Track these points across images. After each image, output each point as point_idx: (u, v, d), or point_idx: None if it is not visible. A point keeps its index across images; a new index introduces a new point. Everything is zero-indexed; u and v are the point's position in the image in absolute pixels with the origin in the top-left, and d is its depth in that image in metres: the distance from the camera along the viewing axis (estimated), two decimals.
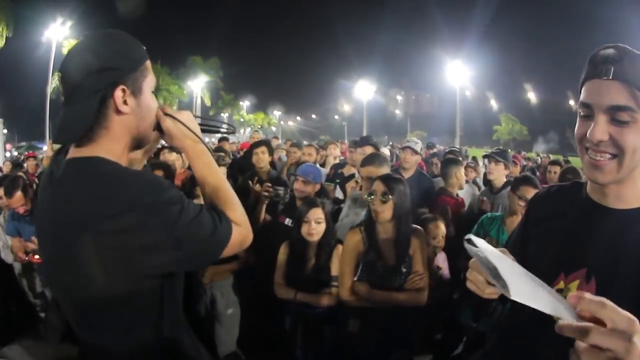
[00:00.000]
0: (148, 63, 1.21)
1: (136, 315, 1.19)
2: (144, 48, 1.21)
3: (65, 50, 23.93)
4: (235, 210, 1.26)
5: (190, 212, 1.12)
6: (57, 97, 24.25)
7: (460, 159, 4.79)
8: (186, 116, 1.30)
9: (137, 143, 1.25)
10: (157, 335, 1.23)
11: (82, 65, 1.11)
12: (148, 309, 1.20)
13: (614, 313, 0.62)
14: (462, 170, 4.06)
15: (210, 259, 1.25)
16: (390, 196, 2.40)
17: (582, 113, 0.99)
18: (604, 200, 1.05)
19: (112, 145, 1.17)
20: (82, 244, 1.05)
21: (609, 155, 0.96)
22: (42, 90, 25.59)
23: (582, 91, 1.00)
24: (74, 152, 1.16)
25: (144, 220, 1.05)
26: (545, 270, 0.96)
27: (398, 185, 2.46)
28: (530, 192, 2.78)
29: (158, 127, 1.27)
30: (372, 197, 2.45)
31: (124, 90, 1.13)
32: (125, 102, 1.14)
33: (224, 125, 1.55)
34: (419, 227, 2.64)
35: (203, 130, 1.36)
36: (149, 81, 1.21)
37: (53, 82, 24.82)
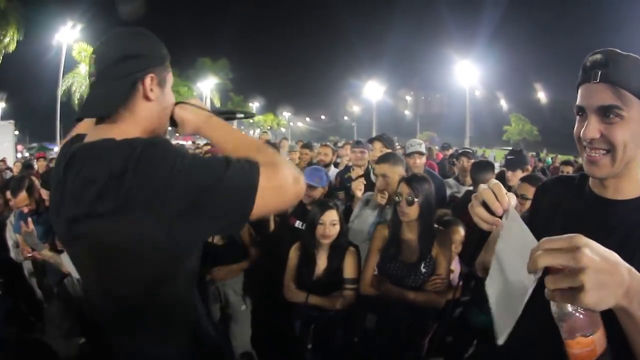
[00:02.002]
0: (169, 63, 1.31)
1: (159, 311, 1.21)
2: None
3: (75, 53, 24.48)
4: (266, 153, 1.17)
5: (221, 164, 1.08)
6: (67, 99, 24.68)
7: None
8: (193, 99, 1.38)
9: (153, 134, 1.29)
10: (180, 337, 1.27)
11: (119, 49, 1.18)
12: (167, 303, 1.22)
13: (552, 241, 0.74)
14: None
15: (245, 204, 1.07)
16: (415, 199, 2.42)
17: (577, 115, 1.11)
18: (604, 192, 1.13)
19: (131, 128, 1.20)
20: (134, 219, 1.03)
21: (603, 151, 1.05)
22: (52, 92, 25.92)
23: (577, 95, 1.10)
24: (92, 136, 1.18)
25: (187, 180, 1.02)
26: None
27: (423, 185, 2.47)
28: (528, 190, 2.71)
29: (171, 120, 1.34)
30: (399, 199, 2.47)
31: (152, 79, 1.21)
32: (151, 90, 1.21)
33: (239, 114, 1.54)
34: (444, 229, 2.63)
35: (226, 119, 1.42)
36: (170, 77, 1.31)
37: (63, 85, 25.10)
